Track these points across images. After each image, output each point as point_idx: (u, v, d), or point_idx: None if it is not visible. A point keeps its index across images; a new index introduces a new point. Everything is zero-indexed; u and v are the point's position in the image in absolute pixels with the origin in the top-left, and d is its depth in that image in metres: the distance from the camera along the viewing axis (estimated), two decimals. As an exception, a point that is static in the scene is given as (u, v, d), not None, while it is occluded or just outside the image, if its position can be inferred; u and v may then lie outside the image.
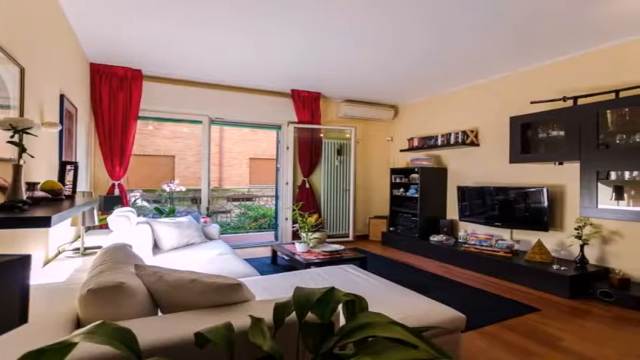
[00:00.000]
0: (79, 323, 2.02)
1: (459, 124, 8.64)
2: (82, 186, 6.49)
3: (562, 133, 6.07)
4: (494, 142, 7.74)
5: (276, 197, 10.04)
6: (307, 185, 9.67)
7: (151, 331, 1.78)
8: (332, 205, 10.05)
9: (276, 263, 7.39)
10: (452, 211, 8.85)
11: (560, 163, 6.32)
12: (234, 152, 20.17)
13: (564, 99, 6.07)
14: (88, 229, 6.18)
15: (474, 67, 7.13)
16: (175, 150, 18.53)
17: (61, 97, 4.90)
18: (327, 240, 8.18)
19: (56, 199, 3.05)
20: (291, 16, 5.12)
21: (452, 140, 8.40)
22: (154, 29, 5.66)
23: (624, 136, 5.34)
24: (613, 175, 5.45)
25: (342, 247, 6.64)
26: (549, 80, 6.64)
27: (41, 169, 4.02)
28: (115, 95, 7.43)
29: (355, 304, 1.80)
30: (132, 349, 1.35)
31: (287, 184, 9.55)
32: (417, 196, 8.89)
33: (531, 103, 6.56)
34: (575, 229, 5.86)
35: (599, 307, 5.06)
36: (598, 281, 5.46)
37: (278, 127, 9.69)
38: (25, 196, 2.41)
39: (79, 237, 4.99)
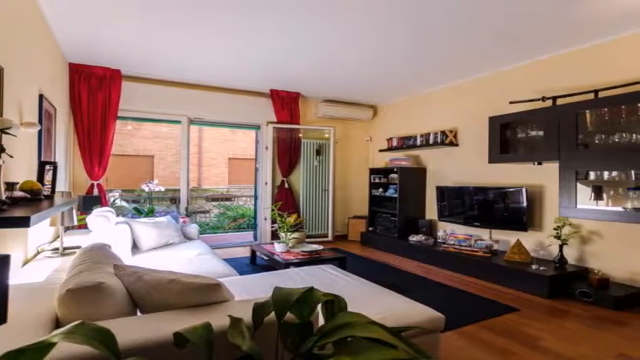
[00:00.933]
0: (58, 323, 2.00)
1: (438, 124, 8.64)
2: (61, 186, 6.43)
3: (541, 133, 6.09)
4: (473, 142, 7.77)
5: (255, 197, 10.01)
6: (286, 185, 9.65)
7: (130, 331, 1.78)
8: (311, 205, 10.03)
9: (255, 263, 7.34)
10: (431, 211, 8.85)
11: (539, 163, 6.32)
12: (213, 152, 20.07)
13: (543, 99, 6.08)
14: (67, 229, 6.15)
15: (453, 67, 7.14)
16: (154, 150, 18.41)
17: (40, 97, 4.84)
18: (306, 240, 8.10)
19: (35, 199, 3.03)
20: (269, 16, 5.10)
21: (431, 140, 8.41)
22: (132, 30, 5.63)
23: (603, 136, 5.37)
24: (592, 175, 5.45)
25: (321, 247, 6.63)
26: (528, 80, 6.66)
27: (20, 169, 3.95)
28: (94, 95, 7.39)
29: (334, 304, 1.80)
30: (111, 349, 1.34)
31: (266, 184, 9.51)
32: (396, 196, 8.90)
33: (510, 103, 6.58)
34: (555, 229, 5.88)
35: (578, 307, 5.06)
36: (577, 281, 5.47)
37: (257, 127, 9.63)
38: (4, 196, 2.35)
39: (58, 237, 4.95)
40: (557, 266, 5.82)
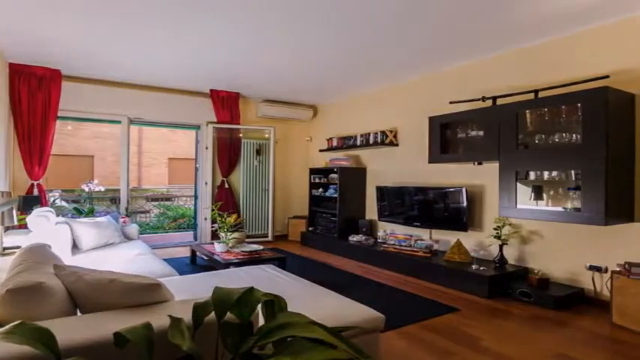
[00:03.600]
0: (-3, 324, 1.94)
1: (378, 124, 8.38)
2: (1, 186, 6.43)
3: (481, 133, 5.85)
4: (413, 142, 7.52)
5: (195, 197, 9.79)
6: (226, 185, 9.40)
7: (70, 331, 1.76)
8: (251, 205, 9.79)
9: (196, 263, 7.18)
10: (371, 212, 8.58)
11: (480, 163, 6.13)
12: (153, 152, 19.83)
13: (483, 99, 5.87)
14: (6, 229, 5.91)
15: (393, 67, 6.94)
16: (94, 150, 18.13)
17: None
18: (247, 240, 7.93)
19: (-26, 199, 2.90)
20: (205, 15, 4.93)
21: (371, 140, 8.15)
22: (70, 29, 5.40)
23: (543, 136, 5.17)
24: (532, 175, 5.26)
25: (261, 247, 6.48)
26: (468, 80, 6.46)
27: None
28: (33, 95, 7.20)
29: (274, 304, 1.81)
30: (51, 349, 1.36)
31: (206, 184, 9.25)
32: (336, 196, 8.64)
33: (450, 103, 6.35)
34: (495, 229, 5.67)
35: (518, 307, 4.92)
36: (517, 281, 5.30)
37: (197, 127, 9.42)
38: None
39: (-2, 237, 4.84)
40: (497, 266, 5.64)
